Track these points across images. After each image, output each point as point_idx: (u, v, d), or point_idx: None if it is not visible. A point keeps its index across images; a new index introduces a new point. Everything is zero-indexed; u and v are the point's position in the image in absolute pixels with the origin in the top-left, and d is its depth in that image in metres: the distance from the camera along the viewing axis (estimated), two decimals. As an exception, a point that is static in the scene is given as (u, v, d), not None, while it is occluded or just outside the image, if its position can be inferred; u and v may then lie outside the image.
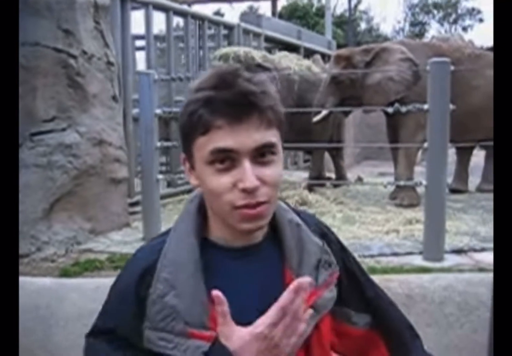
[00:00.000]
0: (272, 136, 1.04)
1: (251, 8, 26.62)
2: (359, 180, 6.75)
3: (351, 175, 7.19)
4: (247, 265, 1.13)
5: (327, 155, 6.91)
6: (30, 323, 2.81)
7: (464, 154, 6.41)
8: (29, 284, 3.00)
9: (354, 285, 1.25)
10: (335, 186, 6.52)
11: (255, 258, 1.13)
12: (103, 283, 2.74)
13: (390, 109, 3.90)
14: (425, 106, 3.57)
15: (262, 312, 1.07)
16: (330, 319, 1.16)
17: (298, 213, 1.23)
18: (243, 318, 1.06)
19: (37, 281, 3.08)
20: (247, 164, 1.01)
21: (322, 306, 1.12)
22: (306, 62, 6.94)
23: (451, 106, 3.53)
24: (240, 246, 1.13)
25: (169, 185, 6.10)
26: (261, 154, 1.03)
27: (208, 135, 1.01)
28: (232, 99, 0.99)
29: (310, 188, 5.99)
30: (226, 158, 1.01)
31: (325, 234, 1.24)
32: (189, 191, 6.05)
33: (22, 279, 3.08)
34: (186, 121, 1.05)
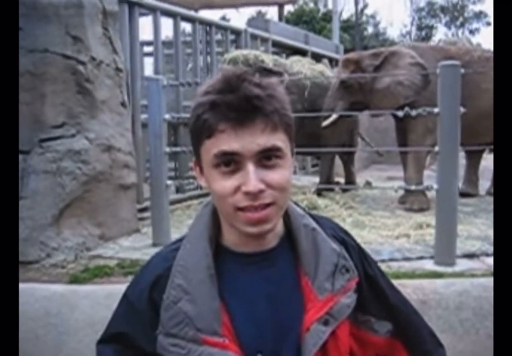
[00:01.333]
0: (278, 140, 1.03)
1: (258, 13, 26.66)
2: (368, 184, 6.72)
3: (359, 179, 7.16)
4: (261, 271, 1.11)
5: (337, 160, 6.89)
6: (41, 331, 2.80)
7: (473, 158, 6.37)
8: (40, 291, 2.99)
9: (376, 291, 1.22)
10: (344, 190, 6.49)
11: (268, 264, 1.12)
12: (115, 290, 2.72)
13: (400, 113, 3.88)
14: (436, 110, 3.55)
15: (274, 318, 1.06)
16: (349, 325, 1.14)
17: (314, 218, 1.21)
18: (255, 325, 1.05)
19: (48, 288, 3.07)
20: (250, 167, 1.00)
21: (339, 312, 1.10)
22: (319, 67, 6.90)
23: (462, 109, 3.51)
24: (253, 251, 1.12)
25: (177, 190, 6.09)
26: (266, 158, 1.02)
27: (213, 139, 1.01)
28: (235, 103, 0.99)
29: (319, 193, 5.97)
30: (231, 162, 1.01)
31: (344, 239, 1.22)
32: (197, 197, 6.05)
33: (32, 286, 3.08)
34: (193, 124, 1.06)
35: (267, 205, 1.02)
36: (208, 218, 1.14)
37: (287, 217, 1.15)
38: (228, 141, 1.00)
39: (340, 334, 1.10)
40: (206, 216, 1.15)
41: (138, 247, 4.04)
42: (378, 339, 1.22)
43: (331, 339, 1.08)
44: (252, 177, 0.99)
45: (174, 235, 3.89)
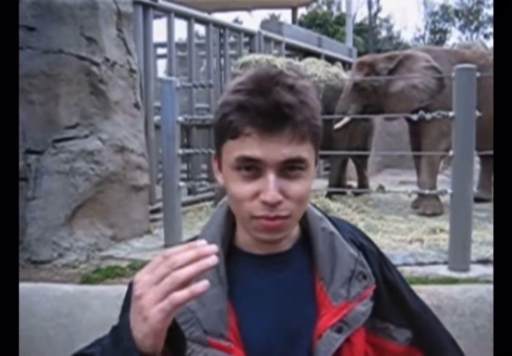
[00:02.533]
0: (304, 151, 0.99)
1: (272, 16, 26.69)
2: (381, 188, 6.68)
3: (372, 183, 7.12)
4: (273, 274, 1.08)
5: (351, 163, 6.85)
6: (52, 331, 2.80)
7: (488, 163, 6.31)
8: (51, 291, 2.99)
9: (395, 298, 1.19)
10: (356, 194, 6.45)
11: (282, 267, 1.09)
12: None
13: (414, 117, 3.85)
14: (451, 114, 3.51)
15: (284, 323, 1.03)
16: (365, 332, 1.11)
17: (332, 221, 1.18)
18: (263, 329, 1.03)
19: (60, 288, 3.07)
20: (271, 177, 0.97)
21: (353, 320, 1.07)
22: (334, 69, 6.85)
23: (477, 113, 3.47)
24: (266, 253, 1.09)
25: (189, 192, 6.09)
26: (289, 168, 0.98)
27: (237, 141, 0.98)
28: (265, 108, 0.95)
29: (330, 196, 5.94)
30: (252, 167, 0.98)
31: (363, 244, 1.18)
32: (209, 199, 6.04)
33: (43, 286, 3.09)
34: (217, 122, 1.02)
35: (283, 217, 0.99)
36: (222, 218, 1.12)
37: (304, 219, 1.12)
38: (252, 146, 0.96)
39: (355, 341, 1.07)
40: (221, 216, 1.13)
41: (150, 248, 4.04)
42: (397, 347, 1.18)
43: (346, 346, 1.05)
44: (271, 187, 0.96)
45: (186, 237, 3.88)
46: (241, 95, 0.97)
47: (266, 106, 0.95)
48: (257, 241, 1.06)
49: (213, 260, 0.77)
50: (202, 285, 0.75)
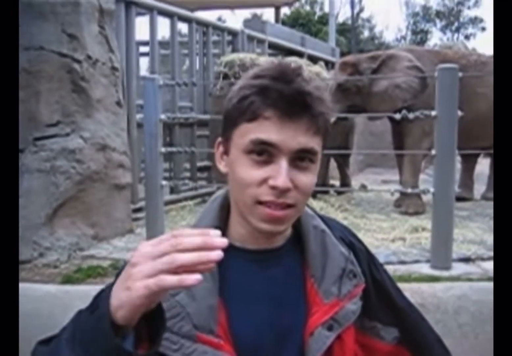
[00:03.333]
0: (316, 144, 1.00)
1: (254, 15, 26.67)
2: (363, 187, 6.71)
3: (354, 183, 7.16)
4: (265, 270, 1.08)
5: (333, 162, 6.87)
6: (33, 332, 2.76)
7: (469, 162, 6.38)
8: (32, 291, 2.95)
9: (383, 296, 1.20)
10: (339, 193, 6.47)
11: (274, 263, 1.09)
12: (107, 290, 2.68)
13: (397, 116, 3.86)
14: (433, 113, 3.53)
15: (276, 319, 1.03)
16: (354, 330, 1.12)
17: (323, 219, 1.19)
18: (254, 326, 1.02)
19: (41, 288, 3.03)
20: (284, 163, 0.97)
21: (344, 318, 1.08)
22: (316, 68, 6.88)
23: (459, 113, 3.50)
24: (259, 248, 1.09)
25: (172, 191, 6.06)
26: (300, 159, 0.99)
27: (254, 124, 0.98)
28: (288, 93, 0.96)
29: (314, 195, 5.95)
30: (264, 151, 0.98)
31: (352, 243, 1.19)
32: (192, 198, 6.02)
33: (24, 286, 3.03)
34: (234, 104, 1.01)
35: (288, 206, 0.99)
36: (216, 213, 1.11)
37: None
38: (269, 130, 0.96)
39: (346, 339, 1.08)
40: (214, 210, 1.12)
41: (132, 248, 4.00)
42: (385, 346, 1.19)
43: (336, 343, 1.06)
44: (283, 173, 0.96)
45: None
46: (265, 80, 0.98)
47: (289, 92, 0.96)
48: (253, 235, 1.06)
49: (217, 254, 0.75)
50: (193, 278, 0.74)
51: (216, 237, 0.77)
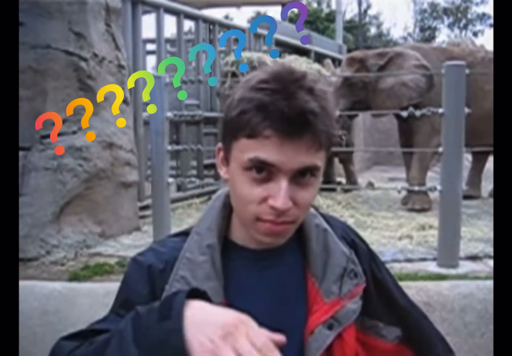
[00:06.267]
0: (319, 159, 0.97)
1: (257, 13, 26.61)
2: (370, 185, 6.69)
3: (361, 180, 7.14)
4: (267, 269, 1.08)
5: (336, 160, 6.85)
6: (39, 329, 2.77)
7: (479, 160, 6.34)
8: (39, 288, 2.96)
9: (384, 296, 1.19)
10: (346, 190, 6.46)
11: (275, 262, 1.09)
12: (114, 288, 2.69)
13: (404, 113, 3.85)
14: (440, 110, 3.52)
15: (276, 317, 1.02)
16: (355, 329, 1.11)
17: (325, 218, 1.18)
18: (257, 322, 1.02)
19: (47, 285, 3.04)
20: (284, 183, 0.94)
21: (344, 317, 1.07)
22: (316, 66, 6.88)
23: (467, 110, 3.48)
24: (260, 248, 1.08)
25: (179, 188, 6.07)
26: (301, 174, 0.96)
27: (253, 141, 0.94)
28: (288, 112, 0.91)
29: (319, 193, 5.94)
30: (263, 169, 0.95)
31: (354, 241, 1.19)
32: (198, 195, 6.03)
33: (31, 283, 3.05)
34: (233, 118, 0.97)
35: (288, 222, 0.98)
36: (218, 211, 1.11)
37: None
38: (269, 150, 0.93)
39: (347, 337, 1.08)
40: (217, 209, 1.11)
41: (139, 245, 4.01)
42: (386, 345, 1.18)
43: (337, 343, 1.05)
44: (283, 194, 0.94)
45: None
46: (264, 95, 0.93)
47: (290, 111, 0.91)
48: (254, 238, 1.05)
49: None
50: None
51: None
